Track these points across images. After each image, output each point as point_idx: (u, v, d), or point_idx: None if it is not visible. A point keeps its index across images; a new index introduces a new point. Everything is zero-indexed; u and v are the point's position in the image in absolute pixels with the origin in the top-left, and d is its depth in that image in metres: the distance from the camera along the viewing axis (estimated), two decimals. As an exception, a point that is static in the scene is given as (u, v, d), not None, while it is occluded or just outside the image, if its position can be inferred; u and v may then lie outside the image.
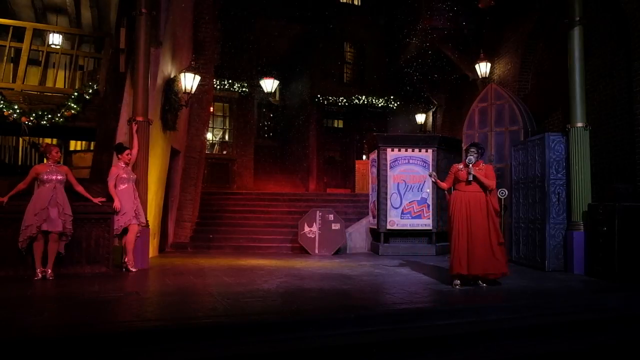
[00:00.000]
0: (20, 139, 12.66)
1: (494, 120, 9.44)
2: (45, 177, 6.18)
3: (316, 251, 9.78)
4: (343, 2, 18.14)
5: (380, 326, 4.33)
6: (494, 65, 12.03)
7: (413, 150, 10.03)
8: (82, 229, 6.54)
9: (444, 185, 6.17)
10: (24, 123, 8.29)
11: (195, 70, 9.37)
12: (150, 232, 7.76)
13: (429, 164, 9.94)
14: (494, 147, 9.41)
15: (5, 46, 9.08)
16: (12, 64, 9.45)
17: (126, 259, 6.91)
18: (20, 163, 12.98)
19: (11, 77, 9.15)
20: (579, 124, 7.44)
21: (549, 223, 7.61)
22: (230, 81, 15.48)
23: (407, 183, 9.96)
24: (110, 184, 6.81)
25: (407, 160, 10.01)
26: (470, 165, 5.91)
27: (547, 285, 6.27)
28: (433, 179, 6.14)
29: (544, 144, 7.73)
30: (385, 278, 6.75)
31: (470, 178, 5.88)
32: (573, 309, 5.22)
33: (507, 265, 6.03)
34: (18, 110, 8.26)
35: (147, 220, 7.43)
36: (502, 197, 8.80)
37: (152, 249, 8.50)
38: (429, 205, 9.86)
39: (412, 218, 9.92)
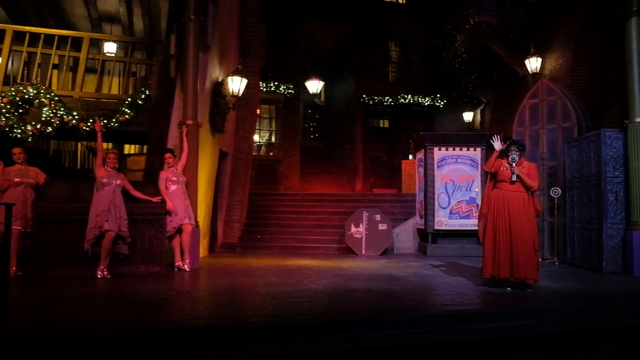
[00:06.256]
0: (79, 144, 13.28)
1: (546, 117, 9.14)
2: (105, 180, 6.45)
3: (363, 251, 9.76)
4: (387, 1, 18.01)
5: (429, 328, 4.28)
6: (544, 60, 11.63)
7: (461, 149, 9.85)
8: (136, 229, 6.77)
9: (490, 166, 5.85)
10: (82, 129, 8.68)
11: (241, 74, 9.54)
12: (201, 232, 7.97)
13: (478, 163, 9.74)
14: (546, 145, 9.12)
15: (65, 56, 9.56)
16: (71, 73, 9.92)
17: (176, 260, 7.13)
18: (78, 167, 13.60)
19: (70, 84, 9.61)
20: (638, 119, 7.16)
21: (606, 223, 7.32)
22: (276, 83, 15.66)
23: (455, 182, 9.80)
24: (161, 186, 7.03)
25: (454, 160, 9.85)
26: (514, 164, 5.69)
27: (604, 288, 6.03)
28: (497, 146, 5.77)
29: (599, 141, 7.44)
30: (434, 279, 6.67)
31: (514, 178, 5.66)
32: (633, 312, 4.99)
33: (538, 272, 5.71)
34: (77, 117, 8.66)
35: (197, 221, 7.63)
36: (555, 196, 8.53)
37: (202, 249, 8.73)
38: (477, 205, 9.65)
39: (461, 218, 9.75)
